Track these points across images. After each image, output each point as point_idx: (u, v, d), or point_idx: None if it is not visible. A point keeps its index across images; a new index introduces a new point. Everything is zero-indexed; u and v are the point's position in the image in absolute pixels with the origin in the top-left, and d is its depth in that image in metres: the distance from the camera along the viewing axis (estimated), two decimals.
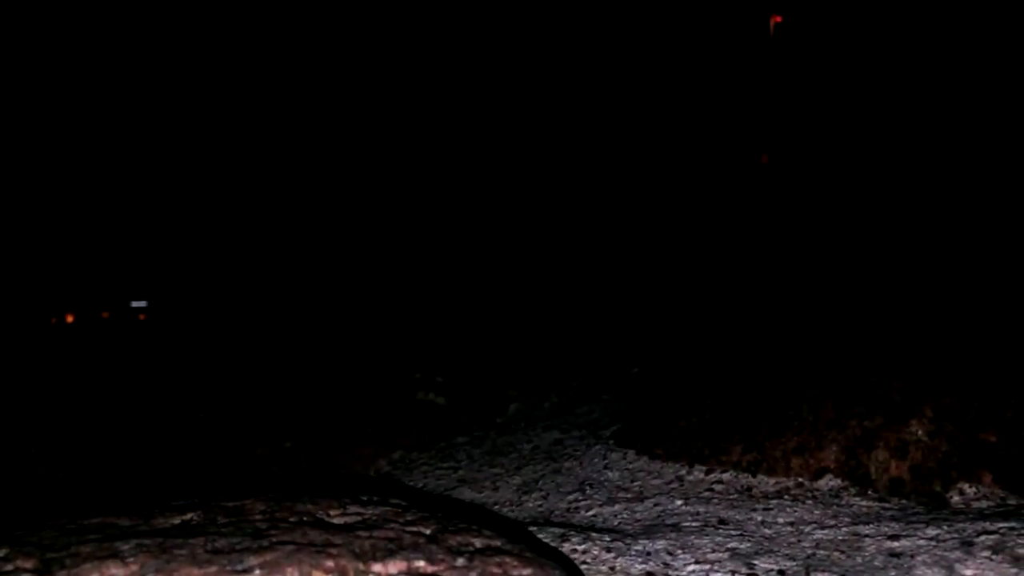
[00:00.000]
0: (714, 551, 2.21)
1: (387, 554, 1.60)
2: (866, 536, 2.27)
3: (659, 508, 2.75)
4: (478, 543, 1.73)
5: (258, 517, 1.77)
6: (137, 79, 9.79)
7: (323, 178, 10.31)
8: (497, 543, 1.75)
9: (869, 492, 2.76)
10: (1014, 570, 1.94)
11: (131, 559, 1.51)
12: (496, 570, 1.61)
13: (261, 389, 5.33)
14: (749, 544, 2.27)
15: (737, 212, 9.04)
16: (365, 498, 1.97)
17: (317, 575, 1.51)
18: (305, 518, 1.78)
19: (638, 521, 2.63)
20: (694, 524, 2.51)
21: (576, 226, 9.55)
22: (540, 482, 3.26)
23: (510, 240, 9.68)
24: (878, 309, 5.48)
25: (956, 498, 2.67)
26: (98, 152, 9.85)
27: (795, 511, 2.59)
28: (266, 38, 9.92)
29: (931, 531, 2.24)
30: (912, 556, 2.07)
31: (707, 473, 3.05)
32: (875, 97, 8.13)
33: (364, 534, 1.69)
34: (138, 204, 9.95)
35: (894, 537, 2.23)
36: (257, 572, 1.49)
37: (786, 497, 2.76)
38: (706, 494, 2.86)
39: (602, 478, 3.18)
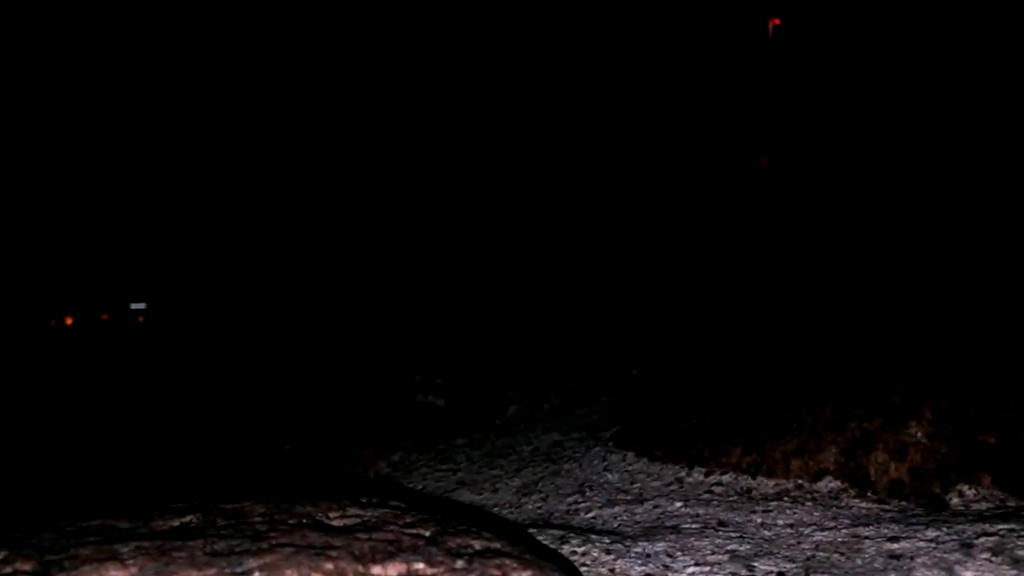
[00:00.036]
0: (714, 553, 2.21)
1: (386, 556, 1.60)
2: (866, 538, 2.27)
3: (659, 510, 2.75)
4: (477, 545, 1.73)
5: (257, 519, 1.77)
6: (136, 82, 9.79)
7: (322, 180, 10.31)
8: (497, 545, 1.75)
9: (868, 494, 2.76)
10: (1014, 572, 1.94)
11: (130, 561, 1.51)
12: (496, 572, 1.61)
13: (260, 391, 5.33)
14: (749, 546, 2.27)
15: (736, 214, 9.05)
16: (364, 500, 1.97)
17: None
18: (304, 520, 1.78)
19: (638, 523, 2.63)
20: (694, 526, 2.51)
21: (576, 228, 9.55)
22: (540, 484, 3.26)
23: (510, 242, 9.68)
24: (877, 310, 5.48)
25: (955, 500, 2.67)
26: (97, 154, 9.85)
27: (795, 513, 2.59)
28: (266, 39, 9.92)
29: (931, 533, 2.24)
30: (912, 558, 2.07)
31: (707, 475, 3.05)
32: (874, 99, 8.14)
33: (363, 536, 1.69)
34: (137, 206, 9.95)
35: (894, 539, 2.23)
36: (256, 574, 1.49)
37: (786, 499, 2.76)
38: (706, 496, 2.85)
39: (602, 480, 3.18)
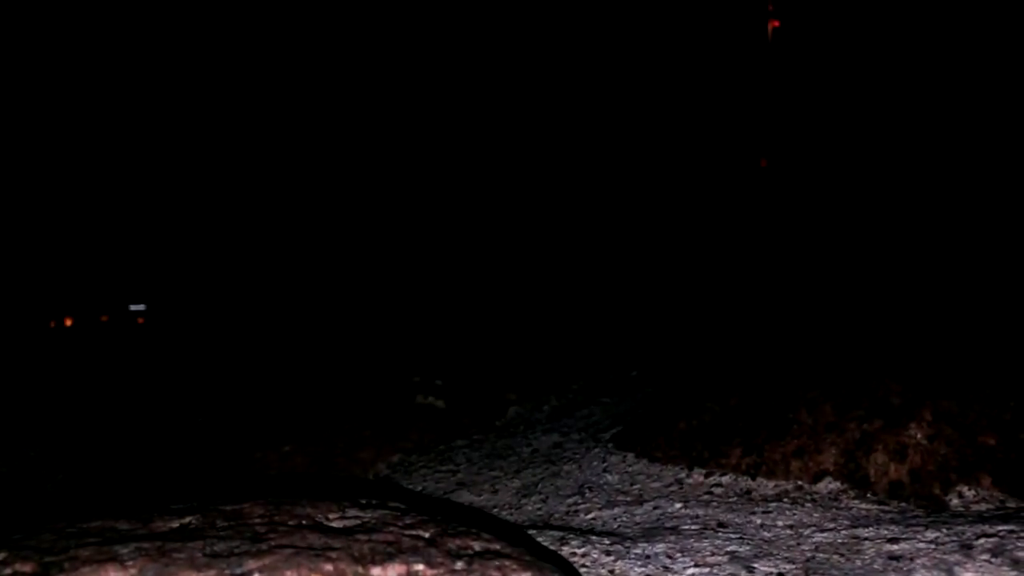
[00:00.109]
0: (713, 554, 2.21)
1: (386, 557, 1.60)
2: (865, 539, 2.27)
3: (658, 511, 2.75)
4: (477, 546, 1.73)
5: (257, 521, 1.77)
6: (135, 83, 9.79)
7: (322, 182, 10.31)
8: (496, 546, 1.75)
9: (868, 495, 2.76)
10: (1013, 573, 1.94)
11: (130, 563, 1.51)
12: (495, 573, 1.61)
13: (260, 392, 5.32)
14: (748, 547, 2.27)
15: (736, 216, 9.05)
16: (364, 501, 1.97)
17: None
18: (304, 522, 1.78)
19: (637, 524, 2.63)
20: (693, 527, 2.51)
21: (575, 229, 9.55)
22: (539, 485, 3.26)
23: (509, 243, 9.69)
24: (877, 312, 5.48)
25: (955, 501, 2.67)
26: (96, 155, 9.86)
27: (794, 514, 2.59)
28: (266, 41, 9.93)
29: (930, 534, 2.24)
30: (911, 559, 2.07)
31: (706, 476, 3.05)
32: (873, 101, 8.15)
33: (363, 537, 1.69)
34: (137, 208, 9.95)
35: (893, 540, 2.23)
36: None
37: (785, 500, 2.76)
38: (705, 497, 2.85)
39: (601, 481, 3.18)
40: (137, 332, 9.22)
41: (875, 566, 2.06)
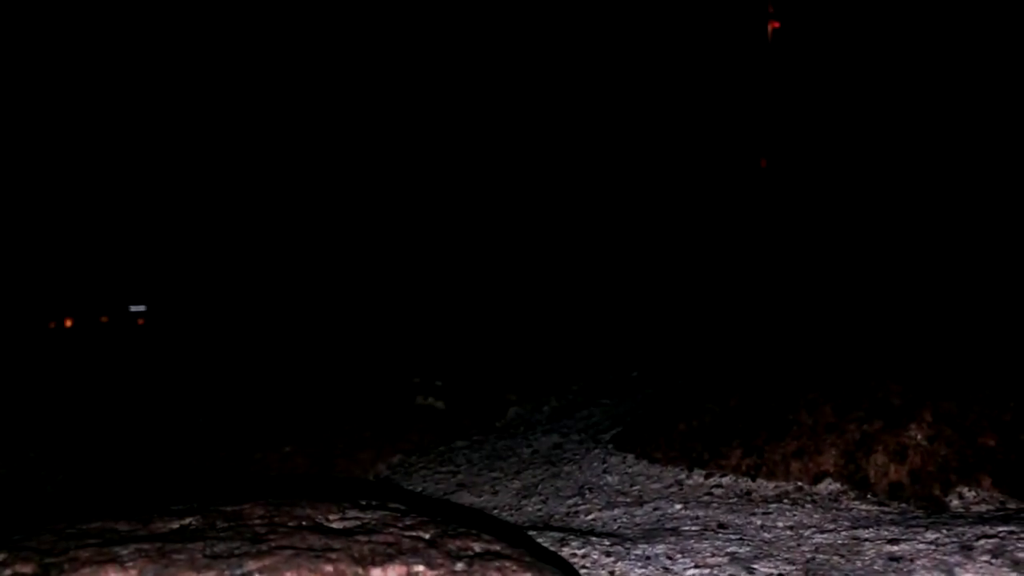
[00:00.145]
0: (713, 555, 2.21)
1: (386, 559, 1.60)
2: (865, 540, 2.27)
3: (658, 512, 2.75)
4: (477, 547, 1.73)
5: (257, 522, 1.77)
6: (135, 84, 9.80)
7: (321, 182, 10.32)
8: (496, 547, 1.75)
9: (868, 496, 2.76)
10: (1014, 574, 1.94)
11: (130, 564, 1.51)
12: (495, 574, 1.61)
13: (260, 393, 5.32)
14: (748, 548, 2.27)
15: (736, 216, 9.05)
16: (364, 502, 1.97)
17: None
18: (304, 523, 1.78)
19: (637, 525, 2.63)
20: (693, 528, 2.51)
21: (575, 230, 9.55)
22: (539, 486, 3.26)
23: (509, 244, 9.69)
24: (877, 313, 5.48)
25: (955, 502, 2.67)
26: (96, 156, 9.86)
27: (794, 515, 2.59)
28: (265, 39, 9.93)
29: (930, 535, 2.24)
30: (912, 560, 2.07)
31: (706, 477, 3.05)
32: (873, 101, 8.15)
33: (363, 539, 1.69)
34: (137, 208, 9.95)
35: (893, 541, 2.23)
36: None
37: (785, 501, 2.76)
38: (705, 498, 2.85)
39: (601, 482, 3.18)
40: (137, 333, 9.22)
41: (875, 567, 2.06)
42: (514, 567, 1.65)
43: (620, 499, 2.95)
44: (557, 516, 2.88)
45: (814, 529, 2.43)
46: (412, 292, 9.10)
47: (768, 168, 9.23)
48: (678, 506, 2.79)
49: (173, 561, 1.52)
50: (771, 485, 2.90)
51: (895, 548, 2.17)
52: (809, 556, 2.19)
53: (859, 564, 2.09)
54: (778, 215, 8.79)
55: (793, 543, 2.31)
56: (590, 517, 2.80)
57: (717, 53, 9.36)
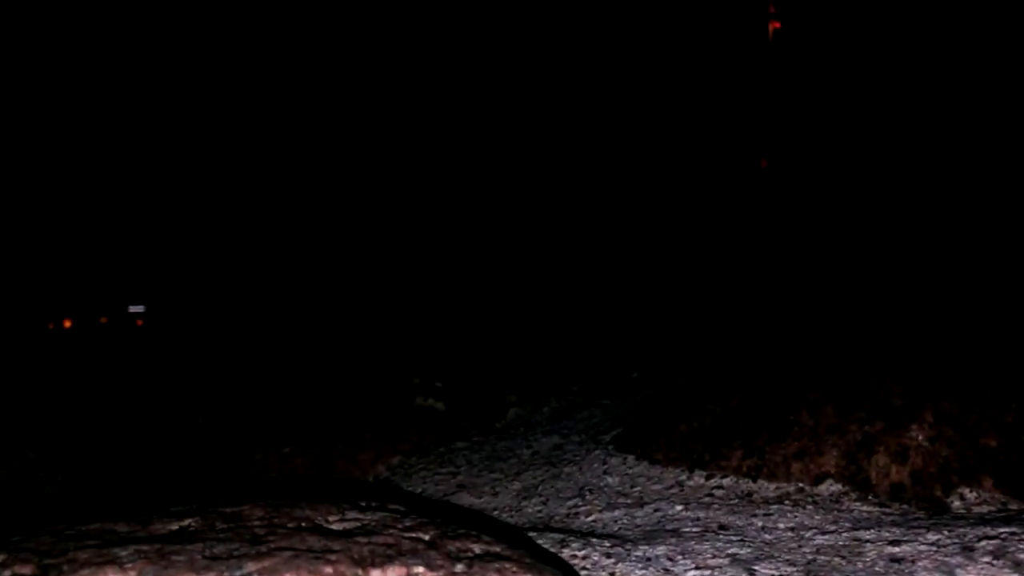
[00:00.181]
0: (714, 557, 2.20)
1: (386, 560, 1.60)
2: (867, 541, 2.26)
3: (659, 513, 2.74)
4: (477, 549, 1.73)
5: (256, 523, 1.76)
6: (134, 84, 9.80)
7: (321, 183, 10.32)
8: (496, 549, 1.74)
9: (870, 497, 2.76)
10: (1015, 575, 1.93)
11: (129, 565, 1.50)
12: None
13: (260, 394, 5.32)
14: (749, 550, 2.26)
15: (737, 217, 9.05)
16: (364, 504, 1.96)
17: None
18: (303, 524, 1.78)
19: (638, 527, 2.63)
20: (694, 530, 2.50)
21: (575, 231, 9.55)
22: (540, 487, 3.25)
23: (509, 245, 9.69)
24: (878, 313, 5.48)
25: (957, 503, 2.66)
26: (95, 156, 9.86)
27: (796, 516, 2.58)
28: (265, 38, 9.93)
29: (932, 536, 2.23)
30: (913, 561, 2.07)
31: (707, 478, 3.04)
32: (874, 101, 8.15)
33: (363, 540, 1.68)
34: (136, 208, 9.95)
35: (895, 542, 2.22)
36: None
37: (787, 502, 2.75)
38: (706, 499, 2.85)
39: (602, 483, 3.18)
40: (136, 333, 9.22)
41: (877, 568, 2.06)
42: (514, 568, 1.64)
43: (621, 500, 2.95)
44: (557, 517, 2.87)
45: (815, 530, 2.42)
46: (412, 293, 9.10)
47: (768, 168, 9.24)
48: (679, 507, 2.78)
49: (172, 563, 1.51)
50: (772, 486, 2.90)
51: (896, 549, 2.16)
52: (810, 557, 2.18)
53: (860, 565, 2.09)
54: (779, 215, 8.79)
55: (794, 544, 2.31)
56: (590, 518, 2.80)
57: (718, 53, 9.36)
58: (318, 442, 4.21)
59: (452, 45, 9.88)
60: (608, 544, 2.32)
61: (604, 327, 7.23)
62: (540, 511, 2.98)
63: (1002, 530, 2.21)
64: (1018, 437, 2.83)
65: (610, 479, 3.21)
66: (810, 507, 2.69)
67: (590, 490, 3.12)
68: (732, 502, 2.80)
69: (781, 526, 2.49)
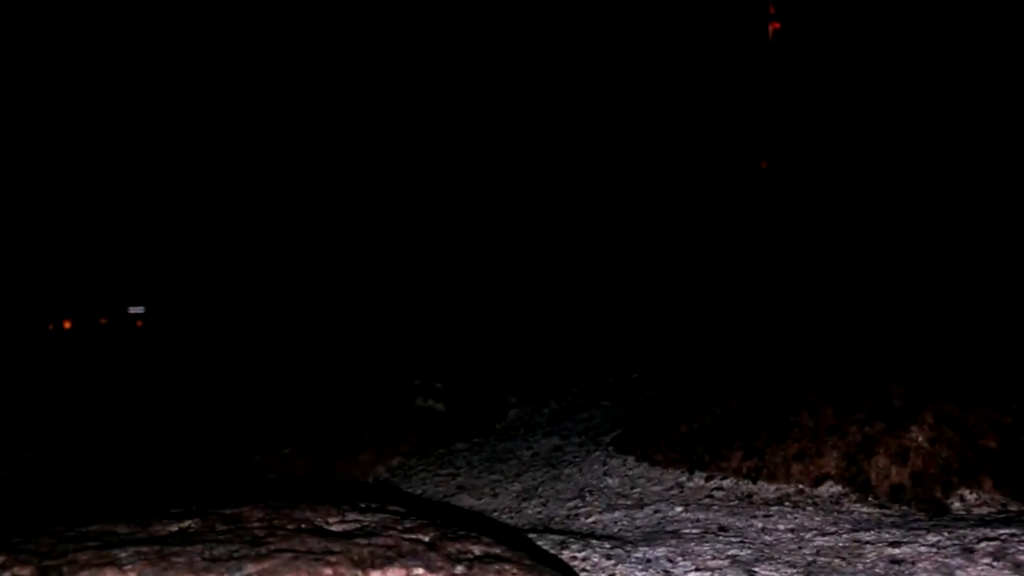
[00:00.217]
0: (714, 558, 2.20)
1: (386, 561, 1.60)
2: (867, 543, 2.26)
3: (659, 515, 2.74)
4: (477, 550, 1.73)
5: (256, 524, 1.76)
6: (135, 85, 9.80)
7: (321, 185, 10.32)
8: (496, 550, 1.74)
9: (870, 498, 2.76)
10: None
11: (129, 566, 1.50)
12: None
13: (259, 396, 5.32)
14: (750, 551, 2.26)
15: (737, 218, 9.05)
16: (364, 505, 1.96)
17: None
18: (303, 525, 1.77)
19: (638, 528, 2.62)
20: (694, 531, 2.50)
21: (575, 232, 9.56)
22: (539, 489, 3.25)
23: (509, 246, 9.69)
24: (878, 315, 5.48)
25: (957, 504, 2.66)
26: (95, 157, 9.86)
27: (796, 518, 2.58)
28: (265, 39, 9.94)
29: (932, 537, 2.23)
30: (913, 563, 2.07)
31: (707, 479, 3.04)
32: (874, 103, 8.15)
33: (363, 541, 1.68)
34: (135, 209, 9.95)
35: (895, 544, 2.22)
36: None
37: (787, 504, 2.75)
38: (706, 501, 2.85)
39: (602, 484, 3.18)
40: (136, 334, 9.22)
41: (876, 570, 2.06)
42: (514, 570, 1.64)
43: (621, 502, 2.95)
44: (557, 519, 2.87)
45: (815, 532, 2.42)
46: (412, 294, 9.10)
47: (769, 170, 9.24)
48: (679, 509, 2.78)
49: (172, 564, 1.51)
50: (772, 487, 2.90)
51: (896, 551, 2.16)
52: (810, 559, 2.18)
53: (860, 567, 2.09)
54: (779, 217, 8.79)
55: (794, 546, 2.30)
56: (590, 520, 2.80)
57: (718, 55, 9.36)
58: (318, 443, 4.21)
59: (452, 46, 9.88)
60: (608, 545, 2.32)
61: (604, 328, 7.23)
62: (540, 512, 2.98)
63: (1002, 531, 2.21)
64: (1018, 438, 2.83)
65: (610, 480, 3.21)
66: (810, 508, 2.69)
67: (590, 491, 3.12)
68: (732, 503, 2.80)
69: (781, 527, 2.49)
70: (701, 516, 2.67)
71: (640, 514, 2.77)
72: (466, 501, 3.25)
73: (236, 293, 9.71)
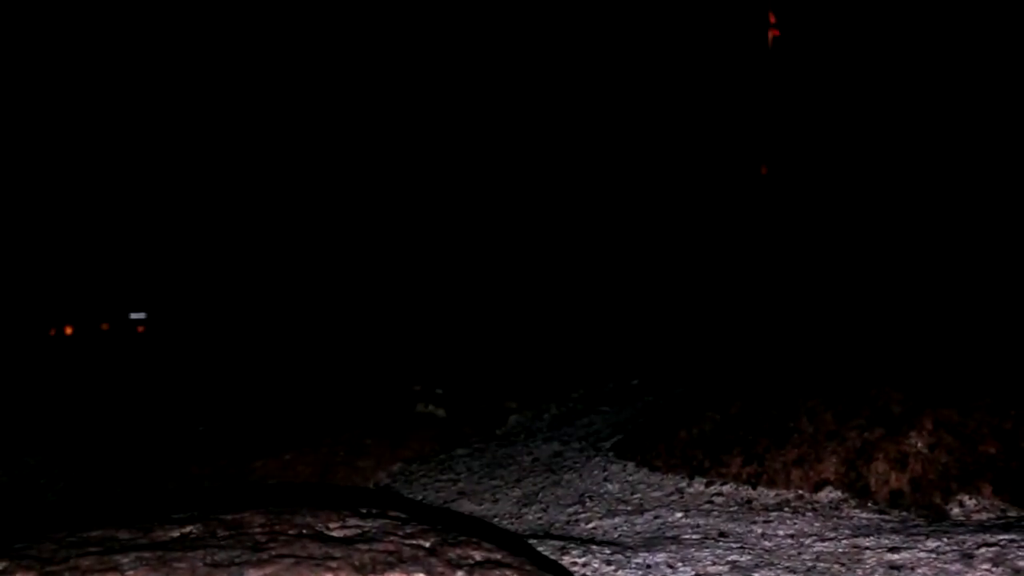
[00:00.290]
0: (714, 564, 2.20)
1: (386, 567, 1.60)
2: (866, 548, 2.27)
3: (659, 520, 2.74)
4: (478, 556, 1.73)
5: (257, 530, 1.77)
6: (137, 91, 9.82)
7: (323, 192, 10.33)
8: (497, 556, 1.75)
9: (869, 504, 2.76)
10: None
11: (130, 572, 1.51)
12: None
13: (260, 401, 5.32)
14: (749, 557, 2.26)
15: (737, 223, 9.06)
16: (364, 511, 1.97)
17: None
18: (304, 531, 1.78)
19: (638, 533, 2.63)
20: (694, 537, 2.51)
21: (576, 239, 9.56)
22: (540, 494, 3.26)
23: (510, 253, 9.70)
24: (877, 320, 5.48)
25: (956, 510, 2.66)
26: (97, 164, 9.88)
27: (795, 523, 2.59)
28: (266, 45, 9.96)
29: (931, 543, 2.23)
30: (912, 569, 2.07)
31: (707, 485, 3.04)
32: (873, 108, 8.17)
33: (363, 547, 1.69)
34: (137, 216, 9.97)
35: (894, 549, 2.22)
36: None
37: (786, 509, 2.76)
38: (706, 506, 2.85)
39: (602, 490, 3.18)
40: (137, 340, 9.23)
41: (876, 575, 2.06)
42: (515, 575, 1.65)
43: (621, 507, 2.95)
44: (558, 524, 2.88)
45: (815, 537, 2.43)
46: (413, 300, 9.10)
47: (769, 175, 9.25)
48: (679, 514, 2.78)
49: (174, 569, 1.52)
50: (772, 493, 2.90)
51: (896, 556, 2.17)
52: (810, 564, 2.18)
53: (860, 572, 2.09)
54: (779, 222, 8.80)
55: (794, 551, 2.31)
56: (591, 525, 2.80)
57: (718, 61, 9.38)
58: (319, 449, 4.22)
59: (453, 49, 9.90)
60: (608, 551, 2.33)
61: (604, 334, 7.23)
62: (540, 518, 2.98)
63: (1001, 537, 2.21)
64: (1017, 444, 2.84)
65: (610, 486, 3.21)
66: (810, 514, 2.69)
67: (590, 497, 3.12)
68: (732, 509, 2.80)
69: (781, 533, 2.49)
70: (701, 522, 2.67)
71: (640, 519, 2.78)
72: (467, 507, 3.25)
73: (237, 299, 9.72)
